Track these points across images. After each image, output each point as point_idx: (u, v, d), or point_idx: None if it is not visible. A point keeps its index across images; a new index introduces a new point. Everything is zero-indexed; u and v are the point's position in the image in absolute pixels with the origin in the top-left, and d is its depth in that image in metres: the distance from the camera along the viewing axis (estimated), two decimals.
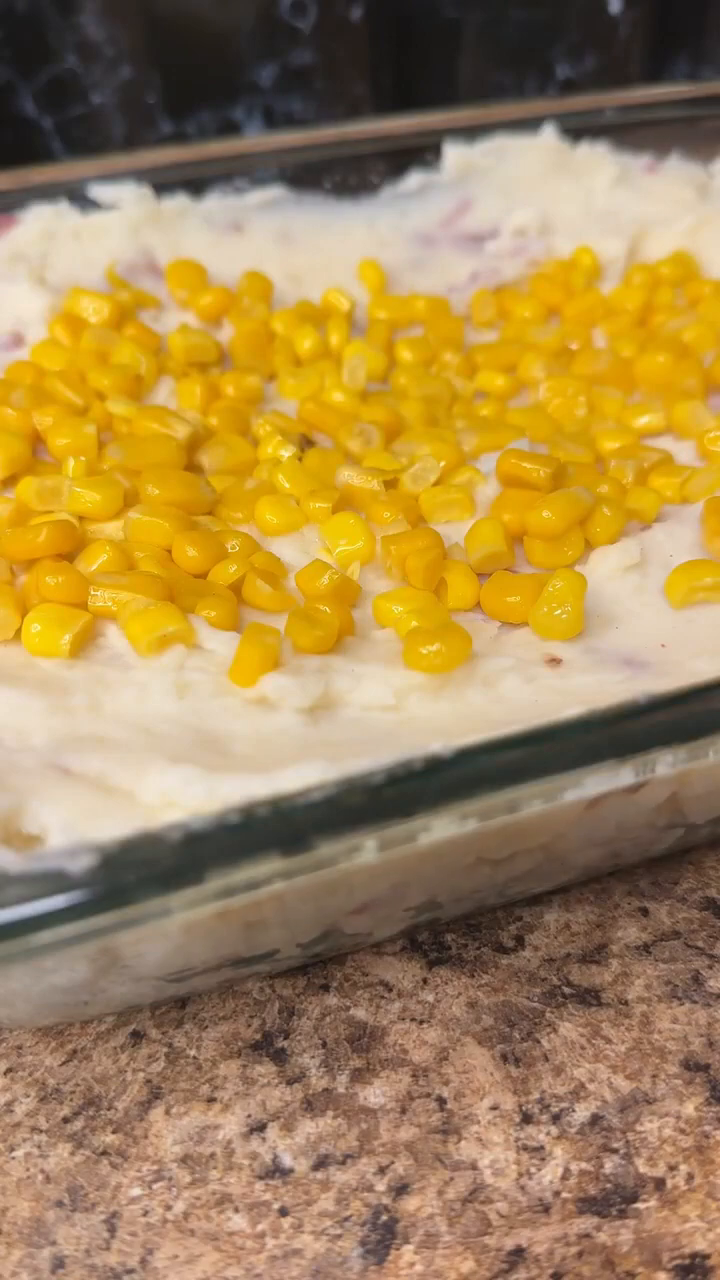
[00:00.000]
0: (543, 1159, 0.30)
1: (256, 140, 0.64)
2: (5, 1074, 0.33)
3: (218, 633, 0.36)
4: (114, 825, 0.26)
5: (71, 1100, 0.32)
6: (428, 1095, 0.32)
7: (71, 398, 0.47)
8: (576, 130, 0.62)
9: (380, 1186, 0.30)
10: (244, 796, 0.24)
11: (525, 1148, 0.30)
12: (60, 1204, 0.30)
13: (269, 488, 0.43)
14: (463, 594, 0.38)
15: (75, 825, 0.28)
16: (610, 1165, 0.30)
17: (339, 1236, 0.29)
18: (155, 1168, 0.30)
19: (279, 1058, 0.33)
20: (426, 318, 0.56)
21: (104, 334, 0.51)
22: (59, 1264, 0.28)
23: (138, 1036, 0.34)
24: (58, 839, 0.28)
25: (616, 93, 0.65)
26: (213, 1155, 0.31)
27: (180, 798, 0.29)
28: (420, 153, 0.61)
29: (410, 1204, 0.29)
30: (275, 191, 0.60)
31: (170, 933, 0.27)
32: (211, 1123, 0.31)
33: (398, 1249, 0.28)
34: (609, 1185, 0.30)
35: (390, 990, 0.34)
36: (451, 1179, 0.30)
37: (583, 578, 0.36)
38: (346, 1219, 0.29)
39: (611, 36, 0.87)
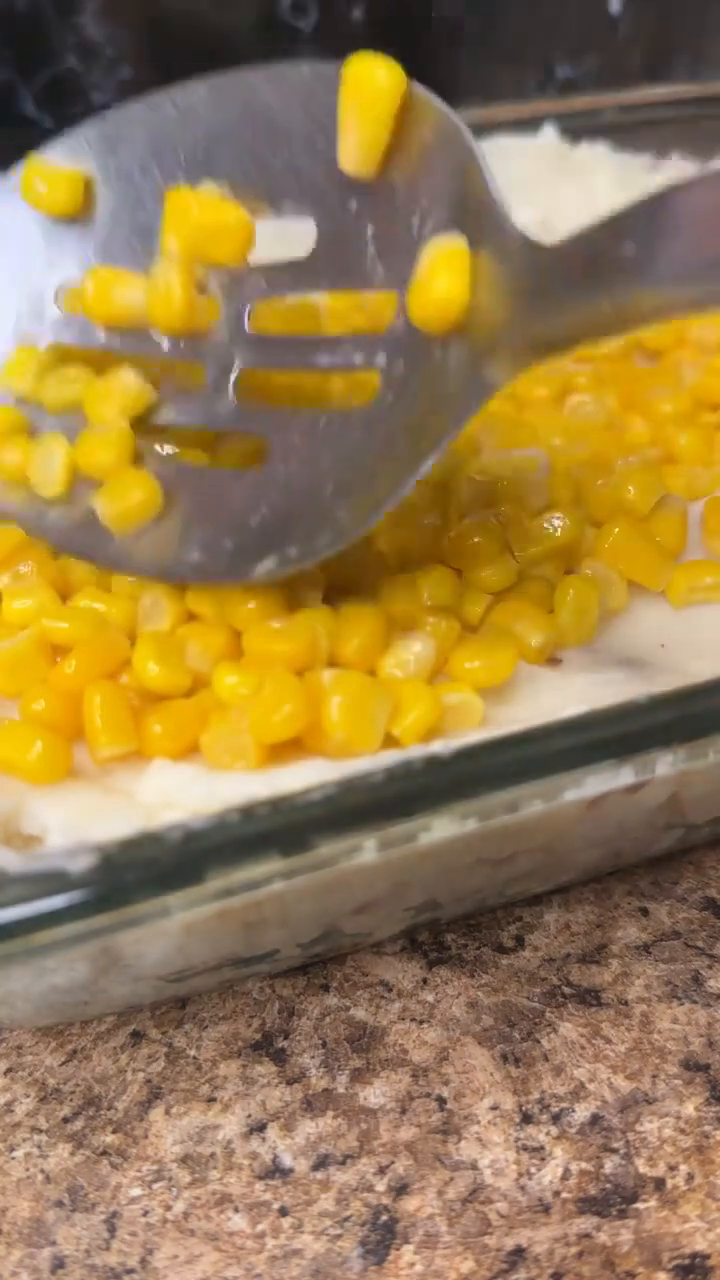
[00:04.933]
0: (543, 1159, 0.30)
1: None
2: (5, 1074, 0.33)
3: None
4: (114, 825, 0.26)
5: (71, 1100, 0.32)
6: (428, 1095, 0.32)
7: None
8: (576, 130, 0.62)
9: (380, 1186, 0.30)
10: (244, 796, 0.24)
11: (525, 1148, 0.30)
12: (60, 1204, 0.30)
13: None
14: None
15: (75, 825, 0.28)
16: (610, 1165, 0.30)
17: (339, 1236, 0.29)
18: (155, 1168, 0.30)
19: (279, 1058, 0.33)
20: None
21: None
22: (59, 1264, 0.28)
23: (138, 1036, 0.34)
24: (58, 839, 0.28)
25: (616, 93, 0.65)
26: (213, 1155, 0.31)
27: (180, 798, 0.29)
28: None
29: (410, 1204, 0.29)
30: None
31: (170, 933, 0.27)
32: (211, 1123, 0.31)
33: (398, 1249, 0.28)
34: (609, 1185, 0.30)
35: (390, 990, 0.34)
36: (451, 1179, 0.30)
37: (595, 582, 0.35)
38: (346, 1219, 0.29)
39: (611, 36, 0.86)
